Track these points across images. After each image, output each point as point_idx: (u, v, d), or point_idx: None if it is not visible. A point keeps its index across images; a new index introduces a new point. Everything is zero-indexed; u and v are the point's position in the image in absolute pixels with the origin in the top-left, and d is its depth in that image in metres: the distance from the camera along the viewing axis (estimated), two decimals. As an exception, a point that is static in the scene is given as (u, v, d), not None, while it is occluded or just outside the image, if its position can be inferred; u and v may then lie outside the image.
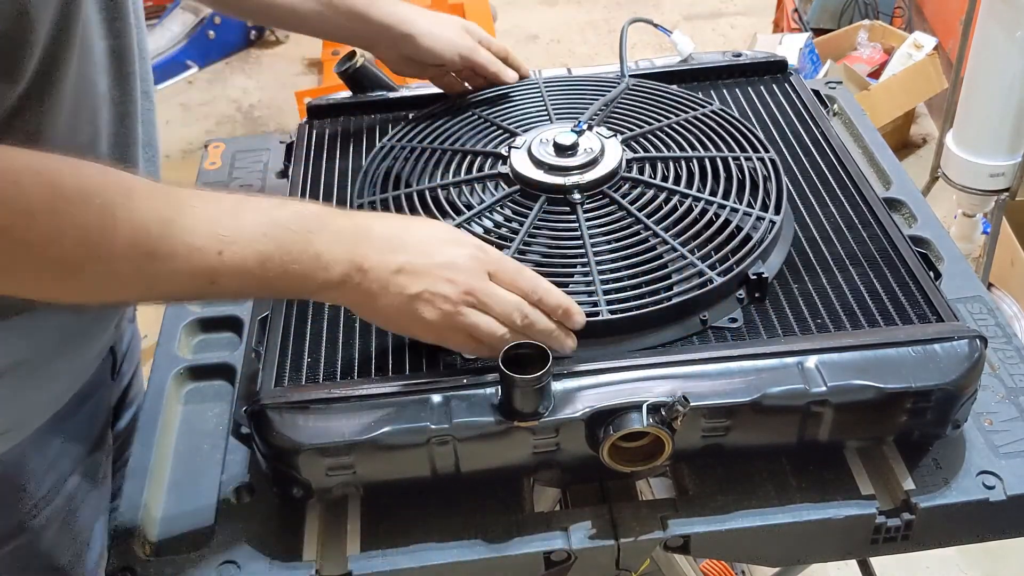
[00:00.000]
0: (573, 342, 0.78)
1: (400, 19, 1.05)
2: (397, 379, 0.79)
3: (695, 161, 0.97)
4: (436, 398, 0.75)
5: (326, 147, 1.11)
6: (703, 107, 1.06)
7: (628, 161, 0.97)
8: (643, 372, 0.77)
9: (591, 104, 1.05)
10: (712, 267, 0.85)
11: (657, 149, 1.00)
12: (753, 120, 1.09)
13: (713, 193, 0.93)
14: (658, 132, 1.02)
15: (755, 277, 0.84)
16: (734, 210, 0.91)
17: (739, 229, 0.89)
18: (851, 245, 0.90)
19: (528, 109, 1.09)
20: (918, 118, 2.99)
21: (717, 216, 0.90)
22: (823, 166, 1.01)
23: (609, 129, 1.00)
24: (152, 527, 0.81)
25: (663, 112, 1.06)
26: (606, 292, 0.83)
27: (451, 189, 0.96)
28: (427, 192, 0.96)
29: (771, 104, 1.13)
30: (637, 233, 0.89)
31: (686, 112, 1.05)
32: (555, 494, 0.96)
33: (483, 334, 0.74)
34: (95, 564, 0.88)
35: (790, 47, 2.73)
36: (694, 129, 1.02)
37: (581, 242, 0.88)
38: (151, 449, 0.87)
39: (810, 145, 1.05)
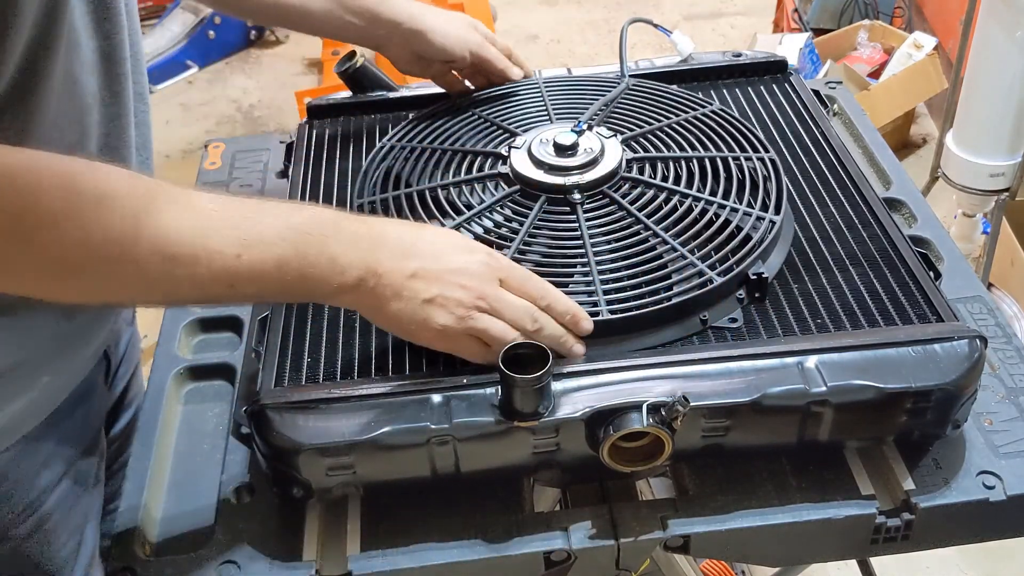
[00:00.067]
0: (582, 348, 0.79)
1: (410, 15, 1.06)
2: (397, 379, 0.79)
3: (695, 161, 0.97)
4: (436, 398, 0.75)
5: (326, 147, 1.11)
6: (703, 107, 1.06)
7: (628, 161, 0.97)
8: (643, 372, 0.77)
9: (591, 104, 1.05)
10: (712, 267, 0.85)
11: (657, 149, 1.00)
12: (753, 120, 1.09)
13: (713, 193, 0.93)
14: (658, 132, 1.02)
15: (755, 277, 0.84)
16: (734, 210, 0.91)
17: (739, 229, 0.89)
18: (851, 245, 0.90)
19: (528, 109, 1.09)
20: (918, 118, 2.99)
21: (717, 216, 0.90)
22: (823, 166, 1.01)
23: (609, 129, 1.00)
24: (152, 527, 0.81)
25: (663, 112, 1.06)
26: (606, 292, 0.83)
27: (451, 189, 0.96)
28: (427, 192, 0.96)
29: (771, 104, 1.13)
30: (637, 233, 0.89)
31: (686, 112, 1.05)
32: (555, 494, 0.96)
33: (494, 339, 0.74)
34: (85, 569, 0.87)
35: (790, 47, 2.73)
36: (694, 129, 1.02)
37: (581, 242, 0.88)
38: (151, 449, 0.87)
39: (810, 145, 1.05)
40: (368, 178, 1.00)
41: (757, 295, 0.85)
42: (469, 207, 0.94)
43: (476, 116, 1.08)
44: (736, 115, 1.05)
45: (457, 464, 0.76)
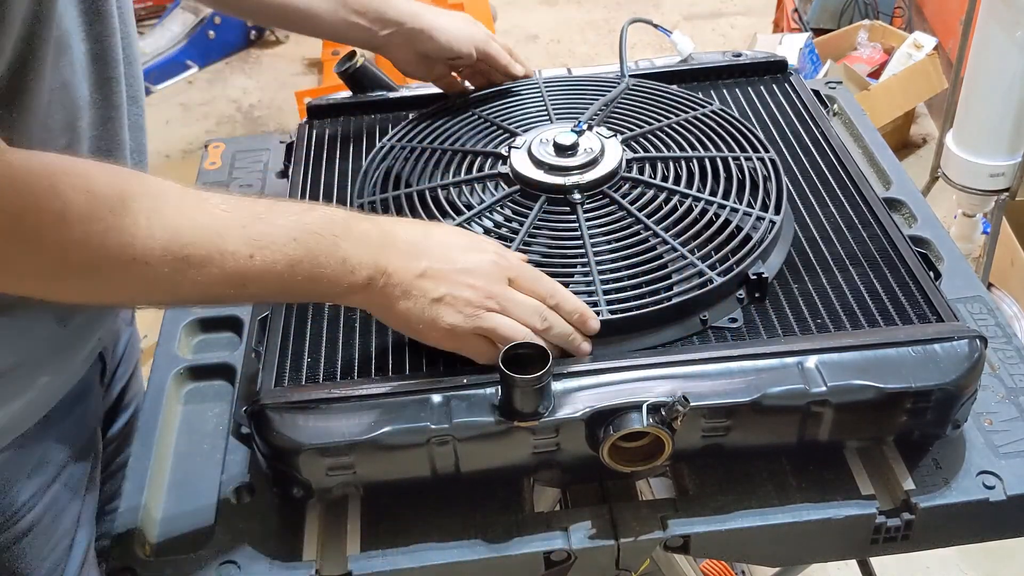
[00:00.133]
0: (588, 346, 0.79)
1: (413, 14, 1.06)
2: (397, 379, 0.79)
3: (695, 161, 0.97)
4: (436, 398, 0.75)
5: (326, 147, 1.11)
6: (703, 107, 1.06)
7: (628, 161, 0.97)
8: (643, 372, 0.77)
9: (591, 104, 1.05)
10: (712, 267, 0.85)
11: (657, 149, 1.00)
12: (753, 120, 1.09)
13: (713, 193, 0.93)
14: (658, 132, 1.02)
15: (755, 277, 0.84)
16: (734, 210, 0.91)
17: (739, 229, 0.89)
18: (851, 245, 0.90)
19: (528, 109, 1.09)
20: (918, 118, 2.99)
21: (717, 216, 0.90)
22: (823, 166, 1.01)
23: (609, 129, 1.00)
24: (152, 527, 0.81)
25: (663, 112, 1.06)
26: (606, 292, 0.83)
27: (451, 189, 0.96)
28: (427, 192, 0.96)
29: (771, 104, 1.13)
30: (637, 233, 0.89)
31: (686, 112, 1.05)
32: (555, 494, 0.96)
33: (502, 338, 0.74)
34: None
35: (790, 47, 2.73)
36: (694, 129, 1.02)
37: (581, 242, 0.88)
38: (151, 449, 0.87)
39: (810, 145, 1.05)
40: (368, 178, 1.00)
41: (757, 295, 0.85)
42: (469, 207, 0.94)
43: (476, 116, 1.08)
44: (736, 115, 1.05)
45: (457, 464, 0.76)
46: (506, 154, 0.98)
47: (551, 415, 0.74)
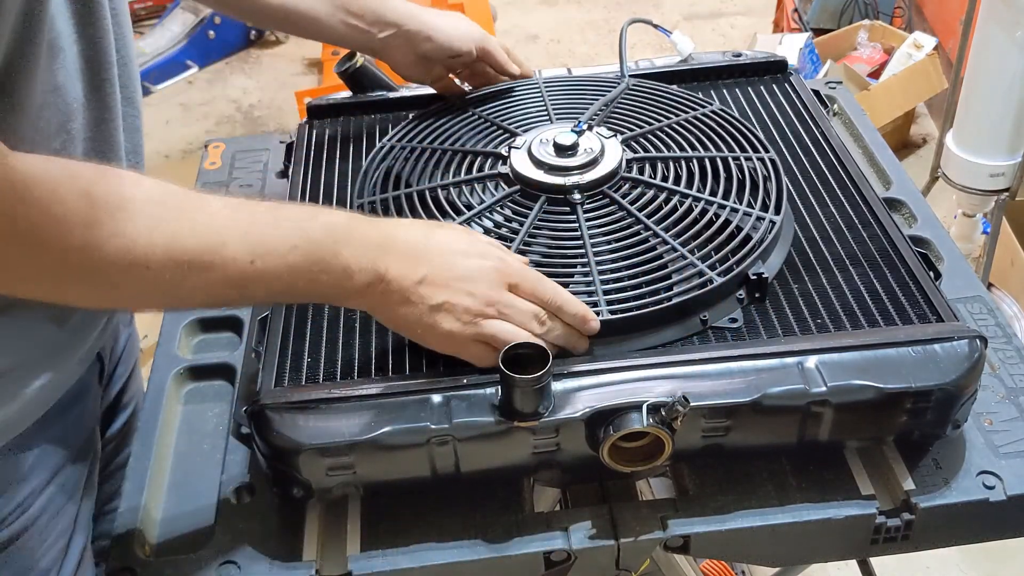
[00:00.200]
0: (586, 343, 0.80)
1: (411, 15, 1.06)
2: (397, 379, 0.79)
3: (695, 161, 0.97)
4: (436, 398, 0.75)
5: (326, 147, 1.11)
6: (703, 107, 1.06)
7: (628, 161, 0.97)
8: (643, 372, 0.77)
9: (591, 104, 1.05)
10: (712, 267, 0.85)
11: (657, 149, 1.00)
12: (753, 120, 1.09)
13: (713, 193, 0.93)
14: (658, 132, 1.02)
15: (755, 277, 0.84)
16: (734, 210, 0.91)
17: (739, 229, 0.89)
18: (851, 245, 0.90)
19: (528, 109, 1.09)
20: (918, 118, 2.99)
21: (717, 216, 0.90)
22: (823, 166, 1.01)
23: (609, 129, 1.00)
24: (152, 527, 0.81)
25: (663, 112, 1.06)
26: (606, 292, 0.83)
27: (451, 189, 0.96)
28: (427, 192, 0.96)
29: (771, 104, 1.13)
30: (637, 233, 0.89)
31: (686, 112, 1.05)
32: (555, 494, 0.96)
33: (502, 344, 0.74)
34: None
35: (790, 47, 2.73)
36: (694, 129, 1.02)
37: (581, 242, 0.88)
38: (151, 449, 0.87)
39: (810, 145, 1.05)
40: (368, 178, 1.00)
41: (757, 295, 0.85)
42: (469, 207, 0.94)
43: (476, 116, 1.08)
44: (736, 115, 1.05)
45: (457, 464, 0.76)
46: (506, 154, 0.98)
47: (551, 415, 0.74)
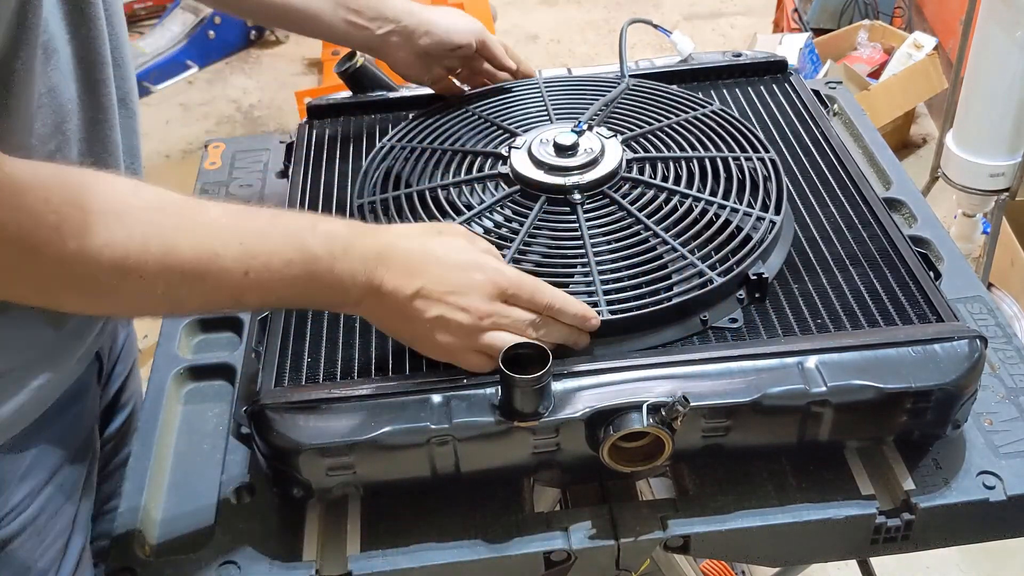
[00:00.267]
0: (587, 339, 0.80)
1: (410, 12, 1.07)
2: (397, 379, 0.79)
3: (695, 161, 0.97)
4: (436, 398, 0.75)
5: (326, 147, 1.11)
6: (703, 107, 1.06)
7: (628, 161, 0.97)
8: (643, 372, 0.77)
9: (591, 104, 1.05)
10: (712, 267, 0.85)
11: (657, 149, 1.00)
12: (753, 120, 1.09)
13: (713, 193, 0.93)
14: (658, 132, 1.02)
15: (755, 277, 0.84)
16: (734, 210, 0.91)
17: (739, 229, 0.89)
18: (851, 245, 0.90)
19: (528, 109, 1.09)
20: (918, 118, 2.99)
21: (717, 216, 0.90)
22: (823, 166, 1.01)
23: (609, 129, 1.00)
24: (152, 528, 0.81)
25: (663, 112, 1.06)
26: (606, 292, 0.83)
27: (451, 189, 0.96)
28: (427, 192, 0.96)
29: (771, 104, 1.13)
30: (637, 233, 0.89)
31: (686, 112, 1.05)
32: (555, 494, 0.96)
33: (499, 352, 0.74)
34: None
35: (790, 47, 2.73)
36: (694, 129, 1.02)
37: (581, 242, 0.88)
38: (151, 449, 0.87)
39: (810, 145, 1.05)
40: (368, 178, 1.00)
41: (757, 295, 0.85)
42: (469, 207, 0.94)
43: (476, 116, 1.08)
44: (736, 115, 1.05)
45: (457, 464, 0.76)
46: (506, 154, 0.98)
47: (551, 415, 0.74)
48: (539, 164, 0.95)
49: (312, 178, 1.05)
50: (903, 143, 2.90)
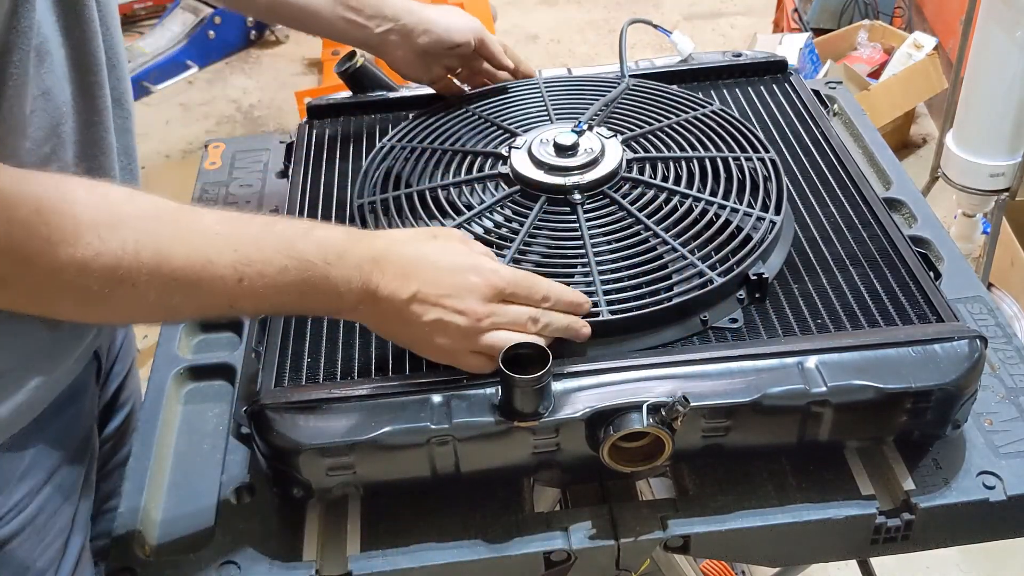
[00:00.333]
0: (587, 330, 0.79)
1: (409, 10, 1.07)
2: (397, 379, 0.79)
3: (695, 161, 0.97)
4: (436, 398, 0.75)
5: (326, 147, 1.11)
6: (703, 107, 1.06)
7: (628, 161, 0.97)
8: (643, 372, 0.77)
9: (591, 104, 1.05)
10: (712, 267, 0.85)
11: (657, 149, 1.00)
12: (753, 120, 1.09)
13: (713, 193, 0.93)
14: (658, 132, 1.02)
15: (755, 277, 0.84)
16: (734, 210, 0.91)
17: (739, 229, 0.89)
18: (851, 245, 0.90)
19: (528, 109, 1.09)
20: (918, 118, 2.99)
21: (717, 216, 0.90)
22: (823, 166, 1.01)
23: (609, 129, 1.00)
24: (152, 528, 0.81)
25: (663, 112, 1.06)
26: (606, 292, 0.83)
27: (451, 189, 0.96)
28: (427, 192, 0.96)
29: (771, 104, 1.13)
30: (637, 233, 0.89)
31: (686, 112, 1.05)
32: (555, 494, 0.96)
33: (498, 352, 0.74)
34: None
35: (790, 47, 2.73)
36: (694, 129, 1.02)
37: (581, 242, 0.88)
38: (151, 449, 0.87)
39: (810, 145, 1.05)
40: (368, 178, 1.00)
41: (757, 295, 0.85)
42: (469, 207, 0.94)
43: (476, 116, 1.08)
44: (736, 115, 1.05)
45: (457, 464, 0.76)
46: (506, 154, 0.98)
47: (551, 415, 0.74)
48: (539, 164, 0.95)
49: (312, 178, 1.05)
50: (903, 143, 2.90)
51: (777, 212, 0.90)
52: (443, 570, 0.76)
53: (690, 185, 0.94)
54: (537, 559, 0.77)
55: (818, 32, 3.10)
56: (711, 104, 1.07)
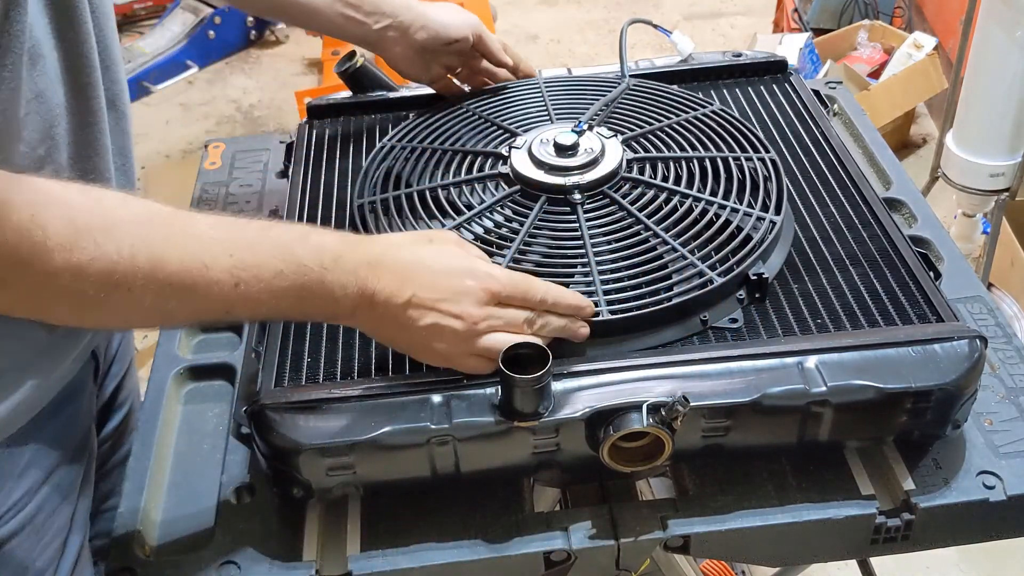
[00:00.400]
0: (586, 330, 0.79)
1: (408, 7, 1.07)
2: (397, 379, 0.79)
3: (695, 161, 0.97)
4: (436, 398, 0.75)
5: (326, 147, 1.11)
6: (703, 107, 1.06)
7: (628, 161, 0.97)
8: (643, 372, 0.77)
9: (591, 104, 1.05)
10: (712, 267, 0.85)
11: (657, 149, 1.00)
12: (753, 120, 1.09)
13: (713, 193, 0.93)
14: (658, 132, 1.02)
15: (755, 277, 0.84)
16: (734, 210, 0.91)
17: (739, 229, 0.89)
18: (851, 245, 0.90)
19: (528, 109, 1.09)
20: (918, 118, 2.99)
21: (717, 216, 0.90)
22: (823, 166, 1.01)
23: (609, 129, 1.00)
24: (152, 528, 0.81)
25: (663, 112, 1.06)
26: (606, 292, 0.83)
27: (451, 189, 0.96)
28: (427, 192, 0.96)
29: (771, 104, 1.13)
30: (637, 233, 0.89)
31: (686, 112, 1.05)
32: (555, 494, 0.96)
33: (496, 354, 0.74)
34: None
35: (790, 47, 2.73)
36: (694, 129, 1.02)
37: (581, 242, 0.88)
38: (151, 449, 0.87)
39: (810, 145, 1.05)
40: (368, 178, 1.00)
41: (757, 295, 0.85)
42: (469, 207, 0.94)
43: (476, 116, 1.08)
44: (736, 115, 1.05)
45: (457, 464, 0.76)
46: (506, 154, 0.98)
47: (551, 415, 0.74)
48: (539, 164, 0.95)
49: (312, 178, 1.05)
50: (903, 143, 2.90)
51: (777, 212, 0.90)
52: (443, 570, 0.76)
53: (690, 185, 0.94)
54: (537, 559, 0.77)
55: (818, 32, 3.10)
56: (711, 104, 1.07)
